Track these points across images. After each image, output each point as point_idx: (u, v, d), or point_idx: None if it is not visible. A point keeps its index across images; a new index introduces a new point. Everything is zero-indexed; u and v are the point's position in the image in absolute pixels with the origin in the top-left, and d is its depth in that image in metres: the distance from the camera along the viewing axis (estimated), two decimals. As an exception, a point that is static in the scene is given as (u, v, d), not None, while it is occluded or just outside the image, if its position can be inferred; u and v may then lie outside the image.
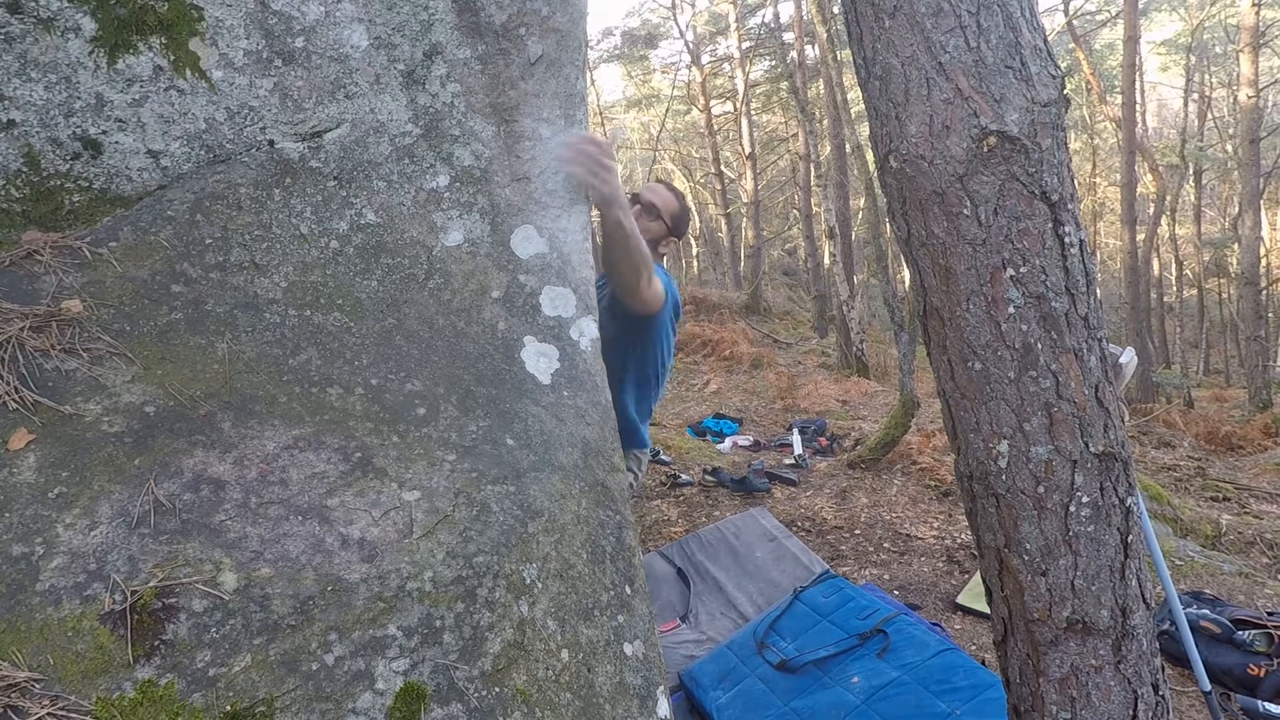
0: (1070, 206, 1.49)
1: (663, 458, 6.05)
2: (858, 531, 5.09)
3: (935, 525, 5.14)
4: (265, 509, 1.03)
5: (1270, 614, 3.64)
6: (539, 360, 1.46)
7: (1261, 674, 3.28)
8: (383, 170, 1.46)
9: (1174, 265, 17.53)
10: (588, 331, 1.56)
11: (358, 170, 1.44)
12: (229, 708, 0.85)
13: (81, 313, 1.16)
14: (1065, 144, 1.51)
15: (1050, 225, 1.47)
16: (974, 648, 3.75)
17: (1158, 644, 1.70)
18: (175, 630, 0.88)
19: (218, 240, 1.32)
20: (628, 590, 1.26)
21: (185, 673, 0.86)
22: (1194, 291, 17.88)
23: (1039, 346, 1.52)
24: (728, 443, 6.81)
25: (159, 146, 1.34)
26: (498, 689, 0.98)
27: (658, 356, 2.41)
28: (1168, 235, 16.18)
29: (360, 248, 1.40)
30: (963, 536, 4.95)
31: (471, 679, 0.96)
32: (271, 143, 1.40)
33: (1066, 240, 1.48)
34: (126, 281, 1.22)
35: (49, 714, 0.78)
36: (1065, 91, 1.48)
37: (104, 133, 1.31)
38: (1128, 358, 1.70)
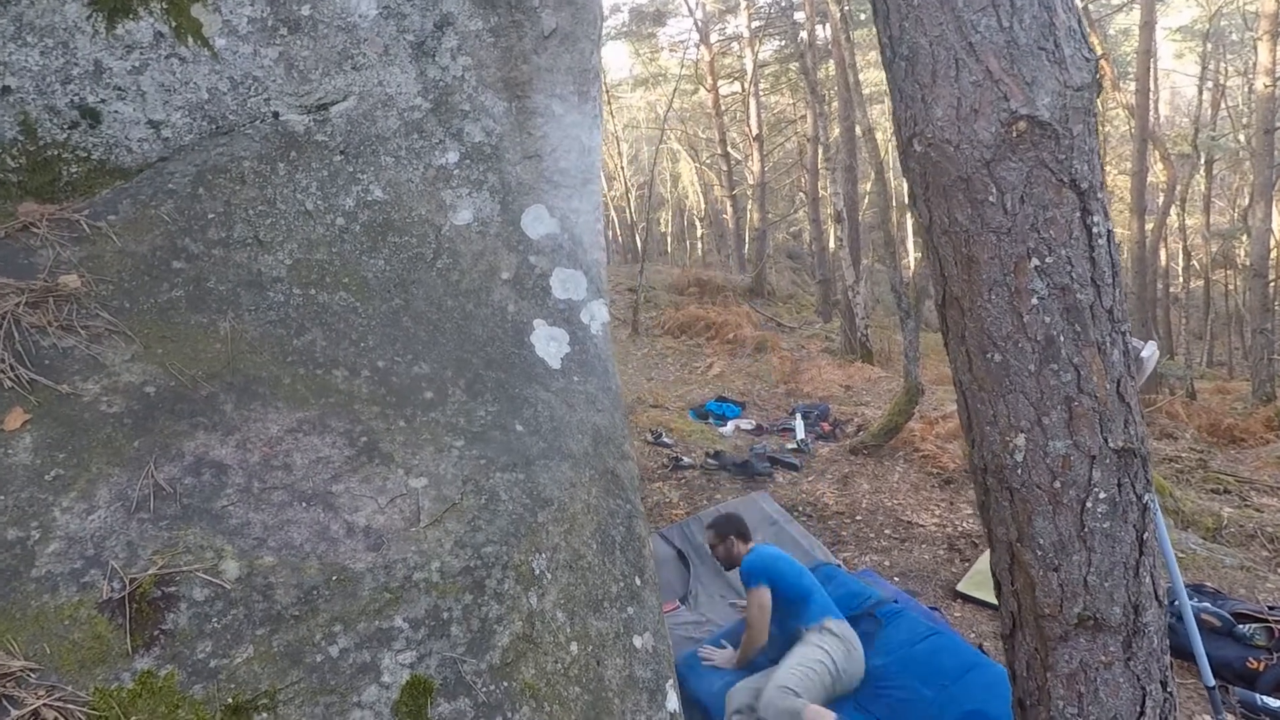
0: (1099, 195, 1.45)
1: (664, 440, 6.03)
2: (859, 517, 5.08)
3: (937, 512, 5.13)
4: (268, 494, 1.00)
5: (1271, 608, 3.63)
6: (549, 344, 1.42)
7: (1260, 668, 3.28)
8: (390, 145, 1.41)
9: (1181, 256, 17.37)
10: (599, 315, 1.52)
11: (365, 145, 1.39)
12: (230, 700, 0.82)
13: (80, 288, 1.12)
14: (1095, 130, 1.46)
15: (1078, 214, 1.43)
16: (973, 635, 3.75)
17: (1167, 640, 1.68)
18: (175, 620, 0.85)
19: (220, 215, 1.28)
20: (638, 581, 1.23)
21: (185, 664, 0.83)
22: (1200, 282, 17.74)
23: (1061, 339, 1.48)
24: (730, 426, 6.80)
25: (160, 116, 1.30)
26: (506, 683, 0.96)
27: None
28: (1176, 225, 16.03)
29: (367, 225, 1.36)
30: (964, 524, 4.94)
31: (479, 672, 0.94)
32: (276, 114, 1.36)
33: (1094, 230, 1.44)
34: (126, 257, 1.18)
35: (45, 704, 0.76)
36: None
37: (103, 101, 1.26)
38: (1149, 351, 1.66)
